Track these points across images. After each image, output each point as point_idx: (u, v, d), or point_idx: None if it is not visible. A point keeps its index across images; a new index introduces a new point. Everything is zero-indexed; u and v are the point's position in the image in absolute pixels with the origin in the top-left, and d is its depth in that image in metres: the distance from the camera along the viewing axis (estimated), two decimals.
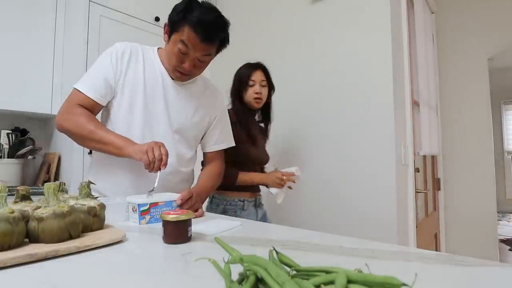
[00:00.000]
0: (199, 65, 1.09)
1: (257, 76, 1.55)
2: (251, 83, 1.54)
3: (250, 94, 1.54)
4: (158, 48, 1.19)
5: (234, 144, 1.36)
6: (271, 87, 1.63)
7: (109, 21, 2.01)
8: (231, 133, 1.36)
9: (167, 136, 1.15)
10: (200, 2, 1.05)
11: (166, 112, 1.14)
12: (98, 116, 1.13)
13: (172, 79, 1.15)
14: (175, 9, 1.03)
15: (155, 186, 0.94)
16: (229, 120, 1.37)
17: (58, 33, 2.01)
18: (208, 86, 1.28)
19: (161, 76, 1.14)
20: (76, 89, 1.07)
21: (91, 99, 1.06)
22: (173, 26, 1.03)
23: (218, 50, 1.11)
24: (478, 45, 2.70)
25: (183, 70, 1.07)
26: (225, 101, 1.36)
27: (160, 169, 0.94)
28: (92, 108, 1.08)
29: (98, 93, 1.07)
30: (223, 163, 1.31)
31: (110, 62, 1.08)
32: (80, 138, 1.06)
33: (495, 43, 2.66)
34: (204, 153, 1.31)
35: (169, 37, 1.06)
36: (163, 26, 1.10)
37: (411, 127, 1.88)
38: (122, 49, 1.11)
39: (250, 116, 1.60)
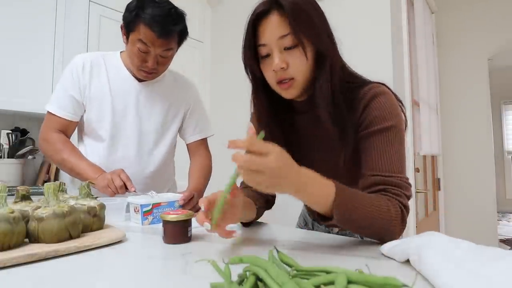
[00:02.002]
0: (162, 61, 1.06)
1: (270, 30, 0.67)
2: (262, 51, 0.69)
3: (268, 77, 0.71)
4: (121, 52, 1.17)
5: (212, 134, 1.31)
6: (318, 40, 0.68)
7: (109, 21, 2.02)
8: (209, 123, 1.34)
9: (140, 140, 1.14)
10: None
11: (137, 117, 1.14)
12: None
13: (139, 80, 1.14)
14: (128, 8, 1.01)
15: (135, 191, 0.96)
16: (205, 109, 1.33)
17: (58, 33, 2.01)
18: (177, 79, 1.25)
19: (127, 81, 1.13)
20: (48, 111, 1.09)
21: (62, 118, 1.08)
22: (128, 26, 1.01)
23: (179, 43, 1.08)
24: (478, 45, 2.70)
25: (147, 68, 1.05)
26: (198, 91, 1.31)
27: (131, 191, 0.95)
28: (66, 127, 1.10)
29: (67, 111, 1.08)
30: (209, 152, 1.30)
31: (71, 78, 1.08)
32: (56, 164, 1.11)
33: (495, 43, 2.66)
34: (187, 146, 1.29)
35: (127, 38, 1.04)
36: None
37: (411, 127, 1.88)
38: (82, 62, 1.09)
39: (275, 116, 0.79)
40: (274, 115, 0.78)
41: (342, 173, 0.73)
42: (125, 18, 1.02)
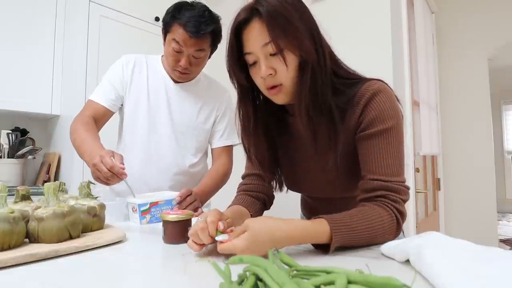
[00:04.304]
0: (195, 62, 1.10)
1: (253, 38, 0.66)
2: (249, 59, 0.68)
3: (259, 84, 0.70)
4: (162, 56, 1.22)
5: (239, 142, 1.30)
6: (299, 46, 0.64)
7: (109, 21, 2.01)
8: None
9: (171, 138, 1.17)
10: (190, 2, 1.08)
11: (169, 115, 1.17)
12: (113, 125, 1.20)
13: (175, 82, 1.18)
14: (166, 11, 1.08)
15: (133, 195, 0.91)
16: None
17: (58, 33, 2.01)
18: (212, 85, 1.28)
19: (164, 81, 1.18)
20: (89, 99, 1.15)
21: (101, 105, 1.12)
22: (165, 27, 1.08)
23: (213, 45, 1.12)
24: (478, 45, 2.70)
25: (180, 68, 1.09)
26: (231, 98, 1.30)
27: (121, 178, 0.86)
28: (103, 115, 1.13)
29: (108, 99, 1.13)
30: (230, 161, 1.29)
31: (115, 72, 1.16)
32: (73, 144, 1.06)
33: (495, 43, 2.66)
34: (211, 151, 1.30)
35: (165, 39, 1.10)
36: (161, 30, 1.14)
37: (411, 127, 1.87)
38: (127, 60, 1.17)
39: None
40: (263, 122, 0.77)
41: (338, 175, 0.74)
42: (163, 20, 1.09)
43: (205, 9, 1.07)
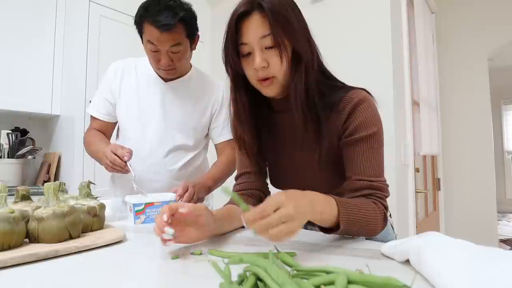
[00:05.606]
0: (176, 57, 1.05)
1: (252, 29, 0.68)
2: (243, 49, 0.70)
3: (249, 75, 0.72)
4: None
5: None
6: (296, 42, 0.69)
7: (109, 21, 2.01)
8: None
9: (167, 137, 1.15)
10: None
11: (163, 115, 1.15)
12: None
13: (166, 81, 1.15)
14: (136, 13, 1.03)
15: (133, 177, 0.96)
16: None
17: (58, 33, 2.01)
18: (205, 80, 1.25)
19: (154, 82, 1.16)
20: (90, 115, 1.20)
21: (98, 119, 1.18)
22: (138, 29, 1.04)
23: (189, 35, 1.05)
24: (478, 45, 2.70)
25: (163, 66, 1.05)
26: (226, 92, 1.30)
27: (126, 164, 0.96)
28: (105, 127, 1.19)
29: (101, 112, 1.17)
30: (233, 152, 1.21)
31: (106, 83, 1.17)
32: (91, 156, 1.16)
33: (495, 43, 2.66)
34: (215, 146, 1.29)
35: (142, 41, 1.06)
36: None
37: (411, 127, 1.88)
38: (115, 68, 1.17)
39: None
40: (254, 114, 0.80)
41: (321, 171, 0.77)
42: (134, 22, 1.04)
43: (171, 0, 0.99)
